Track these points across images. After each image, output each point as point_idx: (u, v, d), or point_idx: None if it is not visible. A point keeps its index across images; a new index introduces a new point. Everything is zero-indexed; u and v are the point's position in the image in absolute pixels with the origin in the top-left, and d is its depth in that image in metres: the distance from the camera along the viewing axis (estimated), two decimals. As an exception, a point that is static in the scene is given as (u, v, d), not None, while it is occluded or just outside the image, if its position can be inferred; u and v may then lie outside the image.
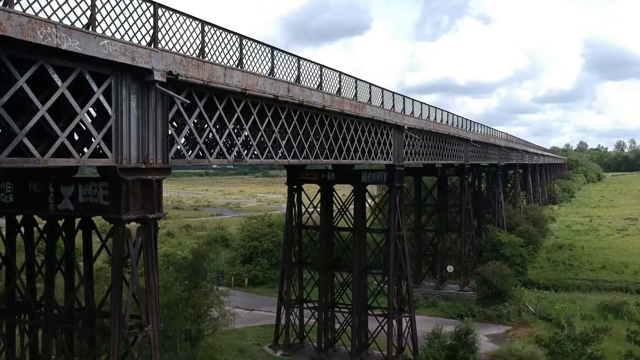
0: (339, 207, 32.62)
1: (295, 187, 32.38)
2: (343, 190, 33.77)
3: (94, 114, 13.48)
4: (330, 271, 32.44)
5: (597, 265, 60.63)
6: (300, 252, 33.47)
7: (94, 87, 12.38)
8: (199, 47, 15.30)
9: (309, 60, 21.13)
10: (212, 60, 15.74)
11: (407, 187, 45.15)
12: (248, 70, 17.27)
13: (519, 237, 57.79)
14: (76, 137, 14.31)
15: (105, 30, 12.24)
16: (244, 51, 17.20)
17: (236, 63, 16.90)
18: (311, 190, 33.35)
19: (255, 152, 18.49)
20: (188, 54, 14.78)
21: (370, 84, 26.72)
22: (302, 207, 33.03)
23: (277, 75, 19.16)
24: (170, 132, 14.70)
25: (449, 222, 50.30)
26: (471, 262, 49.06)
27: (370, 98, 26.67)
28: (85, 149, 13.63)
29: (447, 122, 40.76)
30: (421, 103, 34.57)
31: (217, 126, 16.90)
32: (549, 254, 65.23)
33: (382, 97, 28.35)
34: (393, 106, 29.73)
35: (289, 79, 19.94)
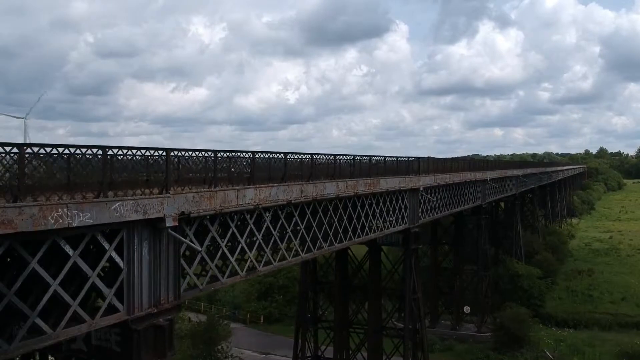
0: (354, 267, 32.44)
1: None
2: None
3: (105, 267, 13.45)
4: (345, 331, 32.31)
5: (617, 297, 59.69)
6: (315, 309, 33.38)
7: (106, 246, 12.36)
8: (212, 176, 15.24)
9: (321, 154, 21.03)
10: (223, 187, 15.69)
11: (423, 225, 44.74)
12: (260, 184, 17.15)
13: (537, 267, 57.12)
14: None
15: (118, 192, 12.19)
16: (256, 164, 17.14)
17: (248, 179, 16.84)
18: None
19: (268, 258, 18.39)
20: (201, 188, 14.74)
21: (385, 157, 26.51)
22: (317, 265, 32.92)
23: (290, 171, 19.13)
24: (180, 262, 14.64)
25: (465, 260, 49.79)
26: (488, 302, 48.54)
27: (384, 170, 26.46)
28: (93, 297, 13.62)
29: (464, 168, 40.35)
30: (436, 159, 34.25)
31: (230, 244, 16.81)
32: (568, 282, 64.29)
33: (397, 165, 28.06)
34: (408, 168, 29.40)
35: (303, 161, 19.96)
